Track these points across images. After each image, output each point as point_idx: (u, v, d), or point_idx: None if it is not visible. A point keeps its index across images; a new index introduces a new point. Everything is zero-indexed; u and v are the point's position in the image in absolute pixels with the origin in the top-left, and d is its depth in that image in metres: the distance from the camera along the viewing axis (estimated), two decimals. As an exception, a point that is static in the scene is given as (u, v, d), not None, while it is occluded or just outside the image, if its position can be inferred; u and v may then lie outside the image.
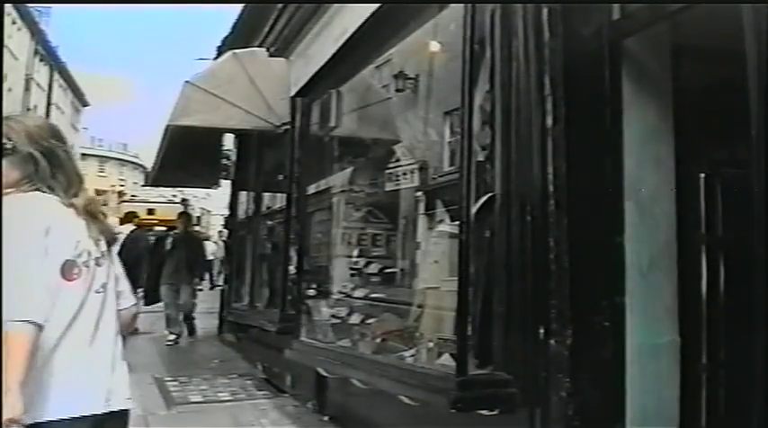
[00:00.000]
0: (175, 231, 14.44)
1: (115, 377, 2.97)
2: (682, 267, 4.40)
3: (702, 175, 4.76)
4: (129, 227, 14.66)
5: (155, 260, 13.79)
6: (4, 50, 30.11)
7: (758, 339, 2.94)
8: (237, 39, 11.95)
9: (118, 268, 3.17)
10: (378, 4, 5.84)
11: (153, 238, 15.49)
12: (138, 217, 16.50)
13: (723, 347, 4.59)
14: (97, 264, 2.93)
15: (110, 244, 3.09)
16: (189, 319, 14.05)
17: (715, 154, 5.02)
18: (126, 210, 19.86)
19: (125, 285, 3.22)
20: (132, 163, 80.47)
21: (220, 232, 32.38)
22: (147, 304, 12.88)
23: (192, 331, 14.01)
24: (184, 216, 15.21)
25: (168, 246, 13.78)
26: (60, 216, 2.84)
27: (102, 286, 2.95)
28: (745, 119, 3.03)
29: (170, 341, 13.21)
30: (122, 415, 3.01)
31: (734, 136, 4.62)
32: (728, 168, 4.77)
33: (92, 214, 2.97)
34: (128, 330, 3.34)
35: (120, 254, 3.33)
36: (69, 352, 2.79)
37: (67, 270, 2.78)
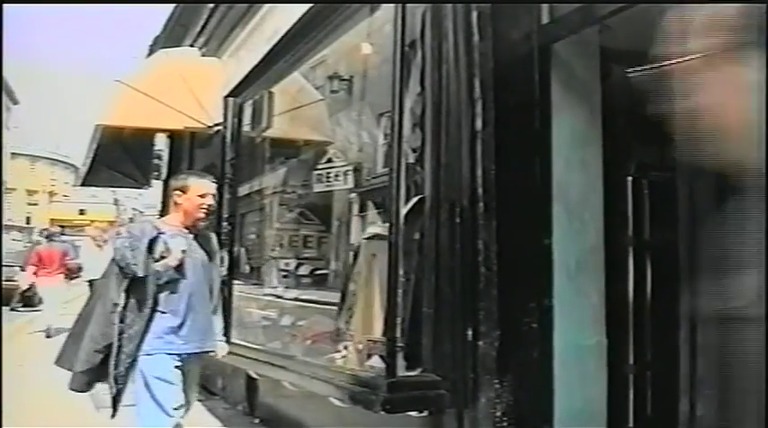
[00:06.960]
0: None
1: None
2: (609, 269, 4.44)
3: (630, 178, 4.82)
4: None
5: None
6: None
7: (683, 340, 2.99)
8: (169, 38, 11.81)
9: None
10: (310, 4, 5.81)
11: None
12: None
13: (649, 348, 4.66)
14: None
15: None
16: None
17: (642, 157, 5.08)
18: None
19: None
20: (63, 162, 79.03)
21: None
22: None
23: None
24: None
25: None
26: None
27: None
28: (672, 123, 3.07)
29: None
30: None
31: (661, 140, 4.70)
32: (655, 172, 4.84)
33: None
34: None
35: None
36: None
37: None
